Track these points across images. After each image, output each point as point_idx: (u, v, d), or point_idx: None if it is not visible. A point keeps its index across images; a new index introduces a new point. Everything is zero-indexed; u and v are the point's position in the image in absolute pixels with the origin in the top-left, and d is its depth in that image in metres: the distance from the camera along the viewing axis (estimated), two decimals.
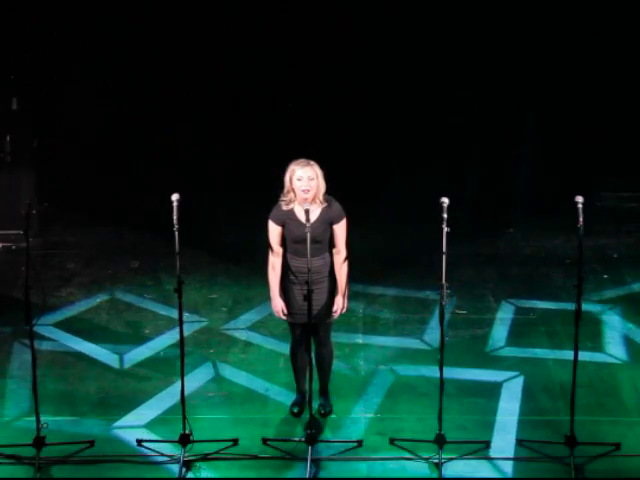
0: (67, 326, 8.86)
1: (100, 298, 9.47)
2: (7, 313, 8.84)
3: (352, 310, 8.56)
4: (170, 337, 8.54)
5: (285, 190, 6.98)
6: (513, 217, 11.40)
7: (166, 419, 7.26)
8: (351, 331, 8.71)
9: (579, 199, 6.55)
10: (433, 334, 8.53)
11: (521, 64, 11.74)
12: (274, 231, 7.02)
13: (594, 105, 11.74)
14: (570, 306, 6.85)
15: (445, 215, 6.51)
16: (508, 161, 11.86)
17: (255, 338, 8.66)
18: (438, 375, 6.71)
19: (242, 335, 8.72)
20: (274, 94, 11.77)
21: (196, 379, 7.86)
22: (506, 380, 7.86)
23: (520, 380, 7.85)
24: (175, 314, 7.30)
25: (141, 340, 8.61)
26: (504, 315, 9.13)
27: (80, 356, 8.33)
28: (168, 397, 7.56)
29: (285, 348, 7.76)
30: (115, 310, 9.23)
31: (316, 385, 7.27)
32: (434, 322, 8.75)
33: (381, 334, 8.75)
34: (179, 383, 6.85)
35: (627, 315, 9.06)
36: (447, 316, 8.29)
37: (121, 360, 8.24)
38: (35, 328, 6.80)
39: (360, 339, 8.63)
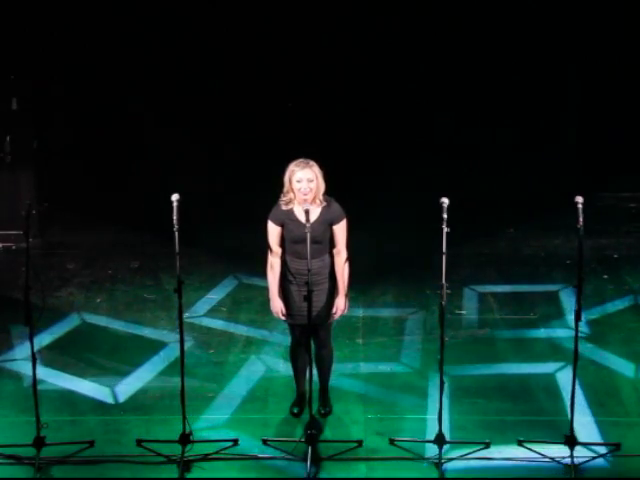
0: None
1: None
2: (7, 313, 8.84)
3: (352, 310, 8.55)
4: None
5: (284, 190, 6.96)
6: (513, 217, 11.40)
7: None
8: (351, 331, 8.71)
9: (579, 199, 6.54)
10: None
11: (521, 64, 11.74)
12: (273, 231, 7.00)
13: (594, 105, 11.74)
14: (570, 307, 6.86)
15: (445, 215, 6.50)
16: (508, 161, 11.86)
17: (255, 335, 8.69)
18: (434, 374, 6.72)
19: (242, 333, 8.76)
20: (274, 94, 11.77)
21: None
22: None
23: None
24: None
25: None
26: (504, 315, 9.13)
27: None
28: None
29: (285, 344, 7.79)
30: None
31: (316, 385, 7.26)
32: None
33: (381, 334, 8.75)
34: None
35: None
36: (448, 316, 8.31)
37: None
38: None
39: (360, 339, 8.63)
